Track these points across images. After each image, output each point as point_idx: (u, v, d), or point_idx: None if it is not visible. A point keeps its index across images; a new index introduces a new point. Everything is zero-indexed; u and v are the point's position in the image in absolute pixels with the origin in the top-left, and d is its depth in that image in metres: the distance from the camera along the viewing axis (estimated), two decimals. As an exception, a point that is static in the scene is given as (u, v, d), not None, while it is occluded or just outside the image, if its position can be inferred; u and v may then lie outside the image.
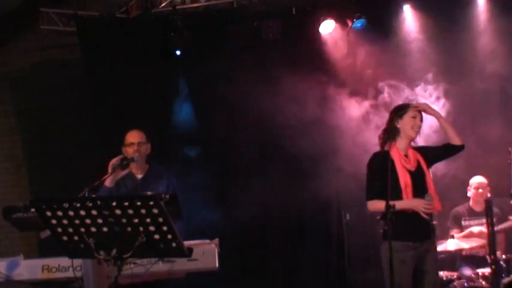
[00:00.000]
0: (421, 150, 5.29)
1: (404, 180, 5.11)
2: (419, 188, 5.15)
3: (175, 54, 7.89)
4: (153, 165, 5.76)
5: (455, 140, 5.26)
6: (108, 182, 5.38)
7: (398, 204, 4.95)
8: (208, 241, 4.93)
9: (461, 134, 5.37)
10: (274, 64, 7.49)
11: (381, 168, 5.10)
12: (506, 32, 7.25)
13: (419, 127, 5.26)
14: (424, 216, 5.09)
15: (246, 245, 7.61)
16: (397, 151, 5.20)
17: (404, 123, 5.22)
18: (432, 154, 5.31)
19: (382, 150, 5.22)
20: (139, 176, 5.64)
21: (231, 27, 7.80)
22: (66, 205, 3.54)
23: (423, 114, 5.30)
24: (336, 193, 7.15)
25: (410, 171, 5.16)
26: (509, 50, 7.26)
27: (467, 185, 7.06)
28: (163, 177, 5.67)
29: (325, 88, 7.28)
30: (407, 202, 5.09)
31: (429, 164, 5.29)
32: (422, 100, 6.59)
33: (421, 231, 5.14)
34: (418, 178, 5.18)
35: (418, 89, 7.10)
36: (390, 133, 5.24)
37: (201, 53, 7.70)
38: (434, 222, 5.40)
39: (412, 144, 5.27)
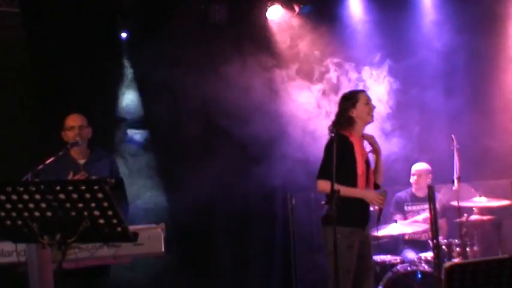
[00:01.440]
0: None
1: (362, 168, 5.21)
2: (368, 178, 5.28)
3: (121, 37, 7.84)
4: (95, 150, 5.70)
5: (378, 180, 5.43)
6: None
7: (351, 192, 5.09)
8: (154, 225, 4.92)
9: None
10: (220, 48, 7.49)
11: (340, 151, 5.01)
12: (448, 11, 7.40)
13: (374, 109, 5.39)
14: (372, 207, 5.22)
15: (191, 229, 7.61)
16: (357, 138, 5.29)
17: (360, 111, 5.31)
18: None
19: (342, 134, 5.22)
20: (82, 162, 5.57)
21: (177, 10, 7.75)
22: (9, 189, 3.50)
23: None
24: (282, 178, 7.20)
25: (365, 160, 5.28)
26: (452, 28, 7.39)
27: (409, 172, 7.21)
28: (106, 162, 5.62)
29: (271, 73, 7.33)
30: (361, 192, 5.20)
31: None
32: (368, 81, 6.77)
33: (366, 217, 5.29)
34: (367, 167, 5.31)
35: (365, 71, 7.22)
36: (345, 123, 5.29)
37: (147, 36, 7.63)
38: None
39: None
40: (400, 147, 7.01)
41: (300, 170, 6.79)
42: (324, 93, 7.16)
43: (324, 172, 5.13)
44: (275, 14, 7.76)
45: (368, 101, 5.36)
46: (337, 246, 4.88)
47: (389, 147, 6.85)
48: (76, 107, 6.06)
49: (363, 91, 5.52)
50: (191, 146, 7.72)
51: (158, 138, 7.82)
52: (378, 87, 7.16)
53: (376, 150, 5.40)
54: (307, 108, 7.07)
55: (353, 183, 5.16)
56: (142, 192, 7.25)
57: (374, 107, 5.39)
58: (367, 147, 5.38)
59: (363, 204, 5.21)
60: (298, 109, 7.08)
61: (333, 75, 7.24)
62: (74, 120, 5.59)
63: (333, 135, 5.03)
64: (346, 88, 6.85)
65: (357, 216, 5.18)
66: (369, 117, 5.34)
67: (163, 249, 4.83)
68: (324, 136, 5.43)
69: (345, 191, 5.01)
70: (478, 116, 7.17)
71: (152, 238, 4.78)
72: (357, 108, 5.30)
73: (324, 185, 5.06)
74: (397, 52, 7.39)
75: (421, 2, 7.65)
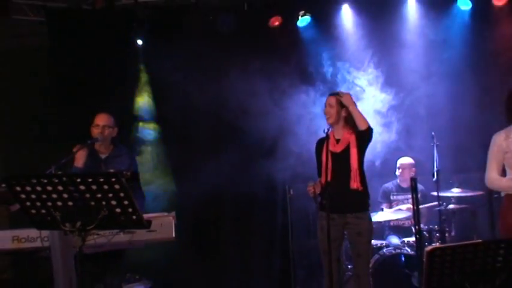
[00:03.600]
0: (358, 134, 5.29)
1: (325, 161, 5.17)
2: (340, 169, 5.19)
3: (137, 44, 7.81)
4: (118, 146, 5.69)
5: (361, 125, 5.24)
6: (80, 163, 5.31)
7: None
8: (166, 214, 4.91)
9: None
10: (227, 55, 7.45)
11: (316, 152, 5.39)
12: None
13: (329, 113, 5.30)
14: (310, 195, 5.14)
15: (199, 218, 7.60)
16: (331, 135, 5.26)
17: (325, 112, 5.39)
18: (360, 139, 5.31)
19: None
20: (103, 156, 5.56)
21: (188, 19, 7.70)
22: (34, 181, 3.50)
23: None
24: (283, 171, 7.17)
25: (333, 153, 5.21)
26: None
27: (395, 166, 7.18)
28: (125, 157, 5.59)
29: (275, 77, 7.29)
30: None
31: (361, 147, 5.29)
32: (362, 82, 6.77)
33: (337, 204, 5.12)
34: (340, 160, 5.21)
35: (360, 73, 7.19)
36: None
37: (161, 43, 7.59)
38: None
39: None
40: (388, 143, 6.97)
41: (299, 164, 6.74)
42: (322, 94, 7.11)
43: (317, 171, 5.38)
44: (276, 24, 7.71)
45: (331, 102, 5.32)
46: (329, 231, 4.94)
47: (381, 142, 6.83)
48: (96, 107, 6.01)
49: (331, 93, 5.46)
50: (201, 142, 7.68)
51: (170, 135, 7.79)
52: (372, 87, 7.11)
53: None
54: (308, 108, 7.03)
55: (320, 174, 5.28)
56: (155, 183, 7.21)
57: (330, 111, 5.29)
58: (345, 143, 5.26)
59: (334, 192, 5.07)
60: (300, 109, 7.04)
61: (333, 77, 7.19)
62: (100, 119, 5.58)
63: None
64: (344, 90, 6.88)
65: (325, 203, 5.09)
66: (327, 119, 5.34)
67: (174, 235, 4.82)
68: (319, 130, 5.49)
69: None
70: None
71: (164, 225, 4.77)
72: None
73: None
74: (387, 55, 7.33)
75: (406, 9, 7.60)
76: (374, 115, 6.82)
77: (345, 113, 5.27)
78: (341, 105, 5.27)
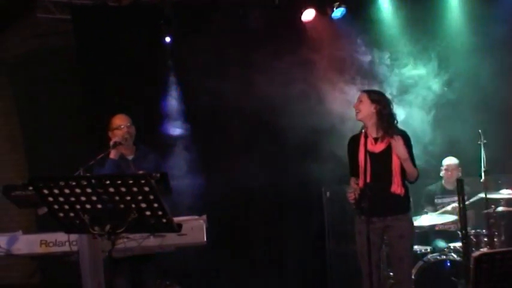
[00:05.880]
0: (403, 137, 5.28)
1: (363, 162, 5.17)
2: (380, 171, 5.18)
3: (164, 41, 7.89)
4: (140, 147, 5.75)
5: (410, 178, 5.30)
6: (113, 154, 5.39)
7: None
8: (196, 217, 4.95)
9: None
10: (258, 50, 7.46)
11: (349, 151, 5.38)
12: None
13: (358, 108, 5.33)
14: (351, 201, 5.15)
15: (230, 220, 7.64)
16: (369, 133, 5.25)
17: None
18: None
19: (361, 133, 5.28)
20: (130, 157, 5.63)
21: (217, 15, 7.77)
22: (62, 183, 3.56)
23: None
24: (317, 171, 7.18)
25: (372, 153, 5.20)
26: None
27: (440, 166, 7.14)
28: (152, 158, 5.65)
29: (307, 73, 7.28)
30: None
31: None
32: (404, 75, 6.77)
33: (377, 207, 5.09)
34: (380, 161, 5.21)
35: (402, 67, 7.17)
36: None
37: (189, 40, 7.66)
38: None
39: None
40: (430, 141, 6.92)
41: (337, 165, 6.74)
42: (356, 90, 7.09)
43: (349, 171, 5.38)
44: (309, 17, 7.71)
45: (360, 98, 5.38)
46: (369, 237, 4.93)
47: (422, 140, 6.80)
48: (123, 105, 6.11)
49: (361, 91, 5.49)
50: (232, 142, 7.73)
51: (200, 134, 7.82)
52: (413, 81, 7.09)
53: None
54: (347, 106, 7.04)
55: (359, 177, 5.22)
56: (184, 184, 7.27)
57: (357, 107, 5.34)
58: (384, 143, 5.26)
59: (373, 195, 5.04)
60: (338, 106, 7.03)
61: (373, 72, 7.18)
62: (121, 120, 5.64)
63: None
64: (390, 85, 6.93)
65: (364, 206, 5.06)
66: (356, 115, 5.38)
67: (205, 239, 4.86)
68: (354, 128, 5.51)
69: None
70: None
71: (195, 229, 4.80)
72: None
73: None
74: (429, 46, 7.30)
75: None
76: (416, 110, 6.81)
77: (375, 109, 5.28)
78: (372, 101, 5.29)
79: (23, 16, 8.43)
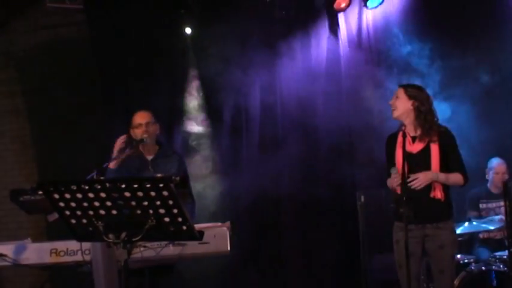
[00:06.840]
0: (445, 136, 5.19)
1: (401, 163, 5.03)
2: (418, 170, 5.08)
3: (185, 32, 7.86)
4: (163, 146, 5.74)
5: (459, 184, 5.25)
6: (113, 164, 5.35)
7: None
8: (219, 224, 4.90)
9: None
10: (286, 42, 7.42)
11: (387, 150, 5.35)
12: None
13: (394, 105, 5.27)
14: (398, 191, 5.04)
15: (256, 225, 7.59)
16: (402, 133, 5.13)
17: None
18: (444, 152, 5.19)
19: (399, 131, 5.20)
20: (150, 157, 5.60)
21: (242, 4, 7.72)
22: (74, 187, 3.51)
23: None
24: (351, 174, 7.11)
25: (410, 154, 5.10)
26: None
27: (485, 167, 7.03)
28: (174, 158, 5.62)
29: (340, 67, 7.23)
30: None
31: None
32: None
33: (418, 213, 5.02)
34: (418, 162, 5.11)
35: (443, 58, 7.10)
36: None
37: (212, 31, 7.63)
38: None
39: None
40: (473, 140, 6.82)
41: (374, 168, 6.67)
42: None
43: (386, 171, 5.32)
44: (343, 6, 7.63)
45: (396, 94, 5.32)
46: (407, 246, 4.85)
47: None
48: (140, 100, 6.08)
49: (398, 86, 5.42)
50: (258, 141, 7.69)
51: (223, 132, 7.80)
52: (456, 72, 7.03)
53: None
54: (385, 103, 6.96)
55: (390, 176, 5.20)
56: (207, 187, 7.26)
57: (393, 104, 5.29)
58: (423, 141, 5.17)
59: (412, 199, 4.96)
60: (376, 104, 6.96)
61: (413, 64, 7.11)
62: (141, 117, 5.62)
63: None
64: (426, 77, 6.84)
65: (402, 211, 4.96)
66: (392, 112, 5.32)
67: (229, 248, 4.79)
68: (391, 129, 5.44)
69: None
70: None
71: (218, 237, 4.75)
72: None
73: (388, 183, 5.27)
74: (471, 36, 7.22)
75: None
76: (459, 107, 6.73)
77: (412, 106, 5.19)
78: (409, 97, 5.21)
79: (31, 6, 8.43)
